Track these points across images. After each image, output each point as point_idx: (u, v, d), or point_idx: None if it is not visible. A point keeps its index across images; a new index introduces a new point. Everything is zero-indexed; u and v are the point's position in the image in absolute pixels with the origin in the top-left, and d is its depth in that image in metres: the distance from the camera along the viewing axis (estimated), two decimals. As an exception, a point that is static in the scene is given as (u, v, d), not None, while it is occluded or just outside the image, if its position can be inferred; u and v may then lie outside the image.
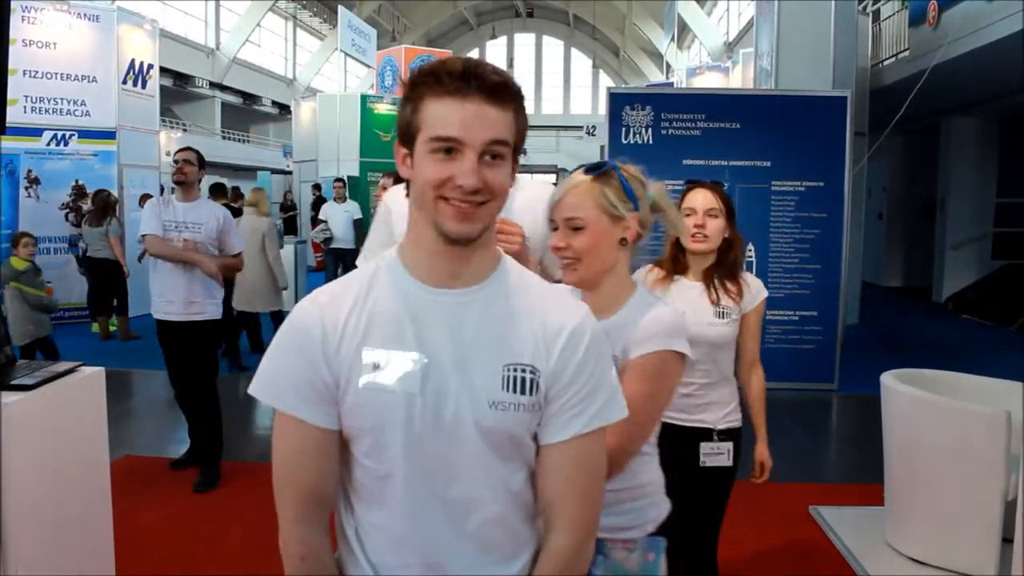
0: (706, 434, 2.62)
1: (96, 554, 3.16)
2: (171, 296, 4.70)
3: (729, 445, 2.63)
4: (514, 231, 2.02)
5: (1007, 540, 3.38)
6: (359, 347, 1.25)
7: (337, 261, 10.99)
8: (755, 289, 2.66)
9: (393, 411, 1.23)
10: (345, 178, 11.67)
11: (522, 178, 2.40)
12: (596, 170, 1.79)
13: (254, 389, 1.27)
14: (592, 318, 1.34)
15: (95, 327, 9.68)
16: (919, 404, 3.73)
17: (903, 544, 3.85)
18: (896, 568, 3.75)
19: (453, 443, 1.24)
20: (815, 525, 4.29)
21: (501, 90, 1.22)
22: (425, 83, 1.23)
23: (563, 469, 1.28)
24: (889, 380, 3.92)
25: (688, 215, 2.58)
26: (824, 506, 4.47)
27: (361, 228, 10.77)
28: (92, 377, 3.16)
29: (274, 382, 1.28)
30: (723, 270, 2.63)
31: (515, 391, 1.24)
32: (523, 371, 1.25)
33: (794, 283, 7.31)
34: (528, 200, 2.22)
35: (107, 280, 9.14)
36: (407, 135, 1.26)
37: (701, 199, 2.60)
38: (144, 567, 3.65)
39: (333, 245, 11.04)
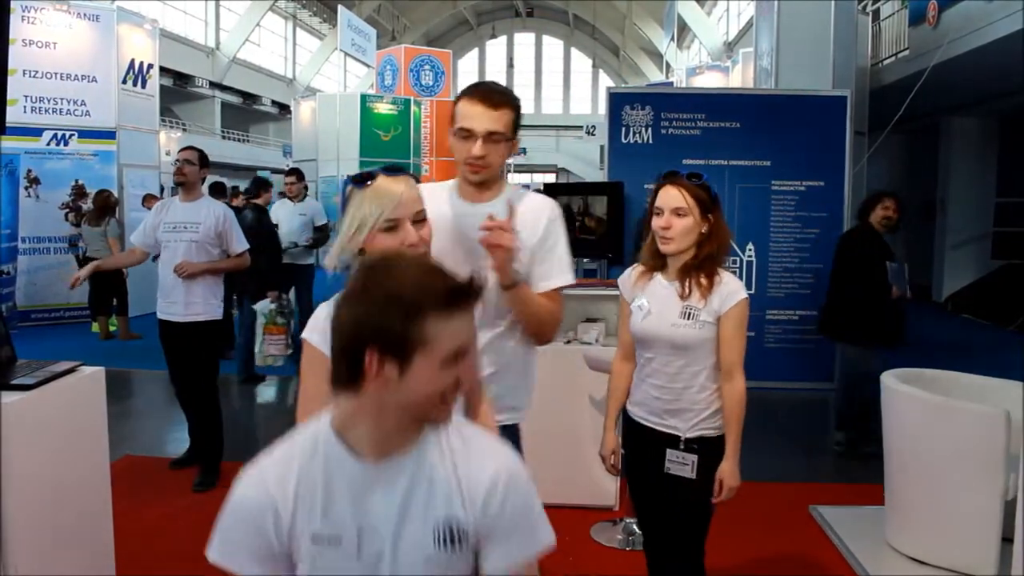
0: (673, 441, 2.54)
1: (96, 554, 3.16)
2: (172, 297, 4.70)
3: (694, 458, 2.52)
4: (509, 237, 2.01)
5: (1007, 540, 3.38)
6: (306, 524, 1.33)
7: (288, 280, 7.51)
8: (728, 291, 2.48)
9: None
10: (300, 171, 8.64)
11: (524, 190, 2.42)
12: None
13: (213, 555, 1.34)
14: (516, 462, 1.40)
15: (95, 327, 9.69)
16: (919, 404, 3.73)
17: (903, 544, 3.85)
18: (896, 568, 3.75)
19: None
20: (815, 525, 4.29)
21: None
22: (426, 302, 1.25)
23: None
24: (889, 380, 3.92)
25: (656, 215, 2.49)
26: (824, 506, 4.47)
27: (327, 233, 8.29)
28: (92, 377, 3.16)
29: (232, 550, 1.35)
30: (695, 265, 2.48)
31: (445, 546, 1.32)
32: (451, 524, 1.33)
33: (794, 283, 7.31)
34: (531, 209, 2.24)
35: (107, 280, 9.12)
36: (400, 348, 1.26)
37: (668, 198, 2.47)
38: (144, 567, 3.65)
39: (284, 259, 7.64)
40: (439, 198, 2.23)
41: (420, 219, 1.82)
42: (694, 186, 2.49)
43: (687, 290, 2.48)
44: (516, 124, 2.23)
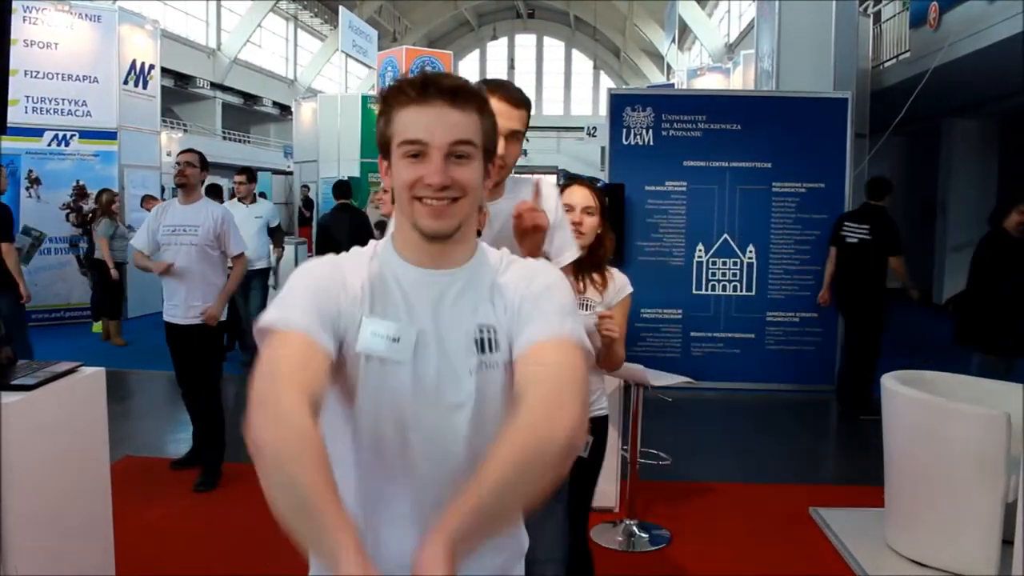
0: None
1: (96, 553, 3.16)
2: (175, 300, 4.74)
3: (590, 438, 2.64)
4: (544, 217, 2.08)
5: (1007, 542, 3.39)
6: (363, 312, 1.34)
7: (245, 286, 7.52)
8: (620, 283, 2.80)
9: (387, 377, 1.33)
10: (252, 170, 8.15)
11: (521, 176, 2.42)
12: None
13: (262, 322, 1.27)
14: (557, 272, 1.46)
15: (96, 327, 9.68)
16: (919, 406, 3.73)
17: (903, 546, 3.85)
18: (896, 569, 3.75)
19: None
20: (815, 527, 4.30)
21: (460, 93, 1.34)
22: (393, 95, 1.35)
23: (529, 367, 1.31)
24: (889, 382, 3.92)
25: (568, 211, 2.60)
26: (824, 508, 4.47)
27: (281, 235, 8.37)
28: (93, 377, 3.16)
29: (285, 308, 1.29)
30: (591, 263, 2.73)
31: (483, 351, 1.36)
32: (486, 331, 1.37)
33: (795, 284, 7.32)
34: (553, 197, 2.29)
35: (107, 282, 9.06)
36: (384, 145, 1.38)
37: (579, 196, 2.72)
38: (144, 567, 3.65)
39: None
40: None
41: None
42: (597, 189, 2.81)
43: (582, 285, 2.72)
44: (528, 123, 2.24)
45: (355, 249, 1.45)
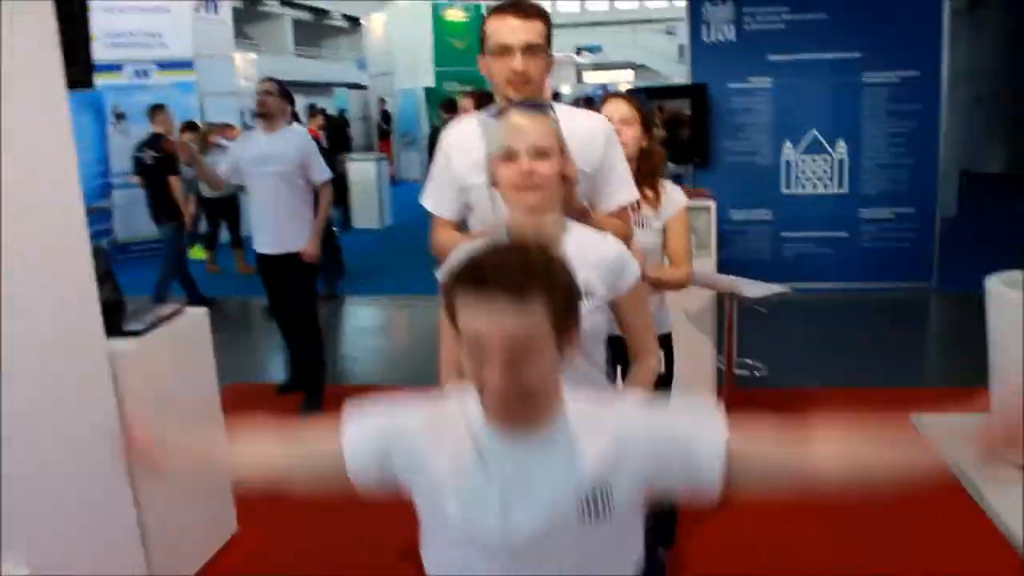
0: None
1: (214, 491, 3.33)
2: (265, 230, 4.80)
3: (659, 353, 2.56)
4: (571, 167, 1.89)
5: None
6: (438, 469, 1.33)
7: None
8: (675, 197, 2.87)
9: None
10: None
11: (570, 108, 2.33)
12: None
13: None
14: None
15: (196, 252, 9.61)
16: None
17: (1010, 452, 3.75)
18: (1004, 477, 3.67)
19: None
20: (917, 434, 4.21)
21: (520, 287, 1.20)
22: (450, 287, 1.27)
23: None
24: (994, 284, 3.76)
25: None
26: (926, 414, 4.36)
27: None
28: (197, 318, 3.28)
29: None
30: (640, 178, 2.61)
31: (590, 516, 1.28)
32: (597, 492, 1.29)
33: (888, 179, 7.04)
34: (585, 130, 2.15)
35: (217, 207, 9.20)
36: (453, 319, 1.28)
37: (613, 108, 2.72)
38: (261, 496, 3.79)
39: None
40: (477, 134, 2.13)
41: (543, 153, 1.75)
42: (636, 100, 2.78)
43: (638, 200, 2.60)
44: (550, 38, 2.17)
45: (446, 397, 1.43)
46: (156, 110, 8.03)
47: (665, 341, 2.73)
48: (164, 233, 7.27)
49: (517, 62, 2.10)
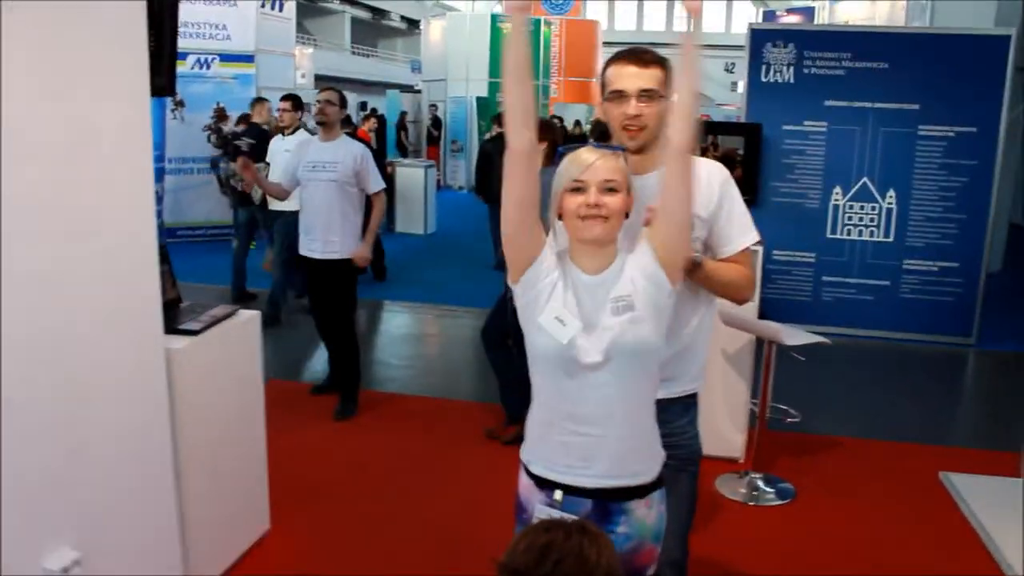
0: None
1: (251, 490, 3.43)
2: (313, 235, 4.91)
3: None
4: None
5: None
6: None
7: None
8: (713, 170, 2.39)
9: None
10: (298, 97, 7.16)
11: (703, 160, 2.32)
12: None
13: None
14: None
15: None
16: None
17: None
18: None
19: None
20: (945, 493, 4.20)
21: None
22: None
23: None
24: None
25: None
26: (956, 473, 4.35)
27: None
28: (249, 320, 3.38)
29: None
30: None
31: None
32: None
33: (936, 232, 6.99)
34: (700, 177, 2.12)
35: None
36: None
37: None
38: (294, 493, 3.88)
39: (273, 205, 7.04)
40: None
41: (611, 188, 1.81)
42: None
43: None
44: (669, 84, 2.18)
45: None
46: (258, 102, 8.58)
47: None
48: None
49: (631, 107, 2.15)
